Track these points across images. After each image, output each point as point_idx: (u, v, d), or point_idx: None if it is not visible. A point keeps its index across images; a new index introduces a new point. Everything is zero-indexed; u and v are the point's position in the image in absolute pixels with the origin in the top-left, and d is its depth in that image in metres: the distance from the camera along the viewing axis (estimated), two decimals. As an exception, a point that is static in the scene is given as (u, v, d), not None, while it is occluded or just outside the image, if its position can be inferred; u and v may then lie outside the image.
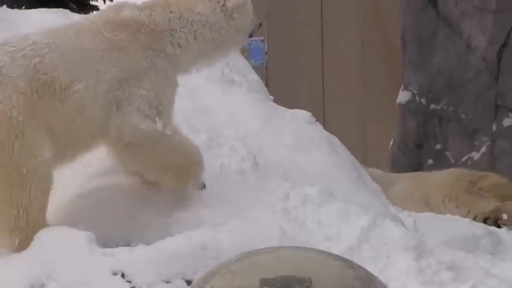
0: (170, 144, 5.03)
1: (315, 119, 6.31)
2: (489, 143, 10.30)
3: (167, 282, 4.43)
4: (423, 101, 10.31)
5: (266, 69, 15.19)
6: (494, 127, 10.27)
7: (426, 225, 6.24)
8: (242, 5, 5.32)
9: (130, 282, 4.39)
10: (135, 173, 5.16)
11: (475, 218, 8.02)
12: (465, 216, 7.95)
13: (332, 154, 6.02)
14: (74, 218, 4.94)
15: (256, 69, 9.26)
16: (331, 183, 5.60)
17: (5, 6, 7.54)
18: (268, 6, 13.82)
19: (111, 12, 5.11)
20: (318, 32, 13.95)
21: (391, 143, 11.91)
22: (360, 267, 4.02)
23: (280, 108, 6.40)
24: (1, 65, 4.65)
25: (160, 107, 4.96)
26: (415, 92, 9.80)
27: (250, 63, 7.73)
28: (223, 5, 5.25)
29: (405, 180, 8.82)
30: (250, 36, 5.59)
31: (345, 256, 4.23)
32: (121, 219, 4.94)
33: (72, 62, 4.82)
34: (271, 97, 6.83)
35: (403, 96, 11.39)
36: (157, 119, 4.94)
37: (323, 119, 12.58)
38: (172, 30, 5.12)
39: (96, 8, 14.57)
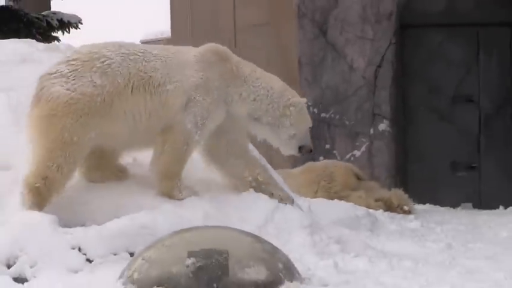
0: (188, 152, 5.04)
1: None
2: (368, 143, 10.28)
3: (114, 254, 4.48)
4: (315, 110, 10.11)
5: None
6: (371, 131, 10.29)
7: (319, 208, 6.20)
8: (300, 107, 5.24)
9: (85, 254, 4.44)
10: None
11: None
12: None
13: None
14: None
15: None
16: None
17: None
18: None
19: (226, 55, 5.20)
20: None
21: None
22: (266, 241, 4.27)
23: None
24: (112, 62, 4.77)
25: (206, 121, 4.98)
26: (309, 104, 9.70)
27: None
28: (289, 99, 5.21)
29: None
30: (300, 150, 5.29)
31: (255, 233, 4.44)
32: (78, 205, 4.88)
33: (170, 69, 4.92)
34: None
35: (300, 107, 11.29)
36: (200, 124, 4.97)
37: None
38: (245, 82, 5.15)
39: (57, 38, 13.04)
